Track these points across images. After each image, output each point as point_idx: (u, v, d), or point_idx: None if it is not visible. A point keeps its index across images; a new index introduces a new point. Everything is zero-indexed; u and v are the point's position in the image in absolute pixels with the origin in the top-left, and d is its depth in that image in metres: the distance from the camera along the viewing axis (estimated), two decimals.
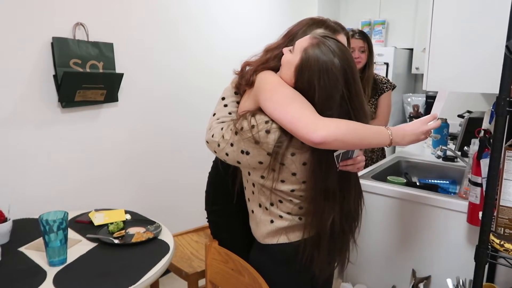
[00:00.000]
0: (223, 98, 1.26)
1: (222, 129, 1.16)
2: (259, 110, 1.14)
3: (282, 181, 1.15)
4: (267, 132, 1.09)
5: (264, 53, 1.33)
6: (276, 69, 1.25)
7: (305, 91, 1.10)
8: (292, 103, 1.10)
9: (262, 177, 1.15)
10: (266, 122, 1.09)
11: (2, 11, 1.73)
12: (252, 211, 1.26)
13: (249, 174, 1.19)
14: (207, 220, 1.58)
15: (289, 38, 1.29)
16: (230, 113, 1.22)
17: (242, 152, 1.12)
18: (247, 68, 1.33)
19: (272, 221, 1.21)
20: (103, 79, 2.04)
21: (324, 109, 1.08)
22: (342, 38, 1.29)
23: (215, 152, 1.19)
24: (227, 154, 1.15)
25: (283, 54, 1.22)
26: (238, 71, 1.36)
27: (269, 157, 1.10)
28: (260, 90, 1.16)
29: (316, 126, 1.04)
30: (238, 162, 1.15)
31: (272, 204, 1.20)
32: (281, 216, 1.20)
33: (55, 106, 1.96)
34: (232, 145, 1.13)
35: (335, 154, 1.14)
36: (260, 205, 1.22)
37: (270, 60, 1.30)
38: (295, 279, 1.25)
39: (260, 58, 1.32)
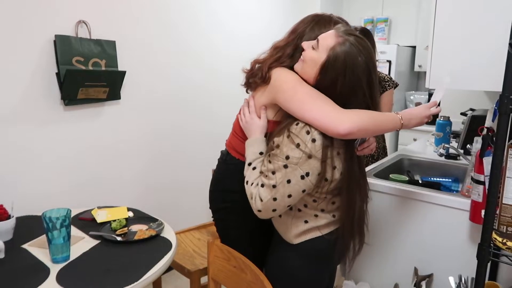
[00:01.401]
0: (249, 164, 1.21)
1: (262, 185, 1.12)
2: (286, 125, 1.13)
3: (326, 180, 1.13)
4: (314, 141, 1.08)
5: (273, 51, 1.33)
6: (288, 67, 1.26)
7: (326, 87, 1.11)
8: (315, 100, 1.13)
9: (317, 187, 1.13)
10: (308, 132, 1.08)
11: (6, 9, 1.74)
12: (280, 216, 1.24)
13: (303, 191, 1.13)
14: (212, 219, 1.58)
15: (297, 36, 1.29)
16: (254, 168, 1.18)
17: (303, 177, 1.08)
18: (257, 66, 1.33)
19: (306, 221, 1.21)
20: (106, 77, 2.05)
21: (345, 104, 1.11)
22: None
23: (275, 210, 1.13)
24: (289, 196, 1.10)
25: (294, 53, 1.25)
26: (247, 70, 1.36)
27: (322, 165, 1.09)
28: (278, 89, 1.18)
29: (341, 120, 1.09)
30: (303, 191, 1.12)
31: (305, 206, 1.19)
32: (316, 215, 1.20)
33: (57, 104, 1.97)
34: (289, 182, 1.08)
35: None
36: (291, 208, 1.21)
37: (283, 58, 1.30)
38: (322, 273, 1.28)
39: (271, 56, 1.31)
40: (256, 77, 1.30)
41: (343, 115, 1.12)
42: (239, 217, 1.45)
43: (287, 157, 1.08)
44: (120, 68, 2.15)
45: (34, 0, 1.82)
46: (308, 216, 1.20)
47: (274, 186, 1.09)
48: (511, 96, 1.05)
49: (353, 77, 1.09)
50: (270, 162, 1.11)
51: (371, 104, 1.15)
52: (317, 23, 1.29)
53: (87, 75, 1.96)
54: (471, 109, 2.74)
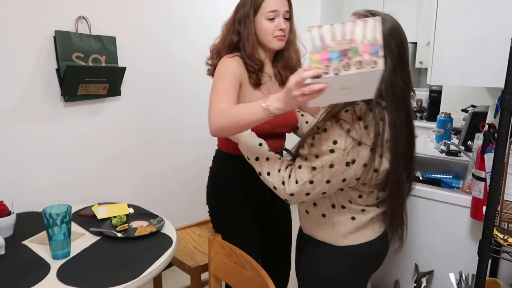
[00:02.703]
0: (257, 159, 1.18)
1: (300, 167, 1.07)
2: (333, 111, 1.06)
3: (375, 171, 1.07)
4: (366, 127, 1.03)
5: (222, 31, 1.48)
6: (235, 42, 1.41)
7: None
8: (213, 96, 1.32)
9: (358, 179, 1.07)
10: (360, 118, 1.02)
11: (5, 5, 1.73)
12: (324, 215, 1.19)
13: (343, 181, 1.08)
14: (208, 214, 1.60)
15: (250, 6, 1.40)
16: (268, 159, 1.15)
17: (348, 164, 1.03)
18: (214, 51, 1.48)
19: (353, 218, 1.16)
20: (106, 73, 2.04)
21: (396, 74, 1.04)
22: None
23: (308, 194, 1.08)
24: (328, 182, 1.05)
25: (236, 28, 1.41)
26: (208, 57, 1.50)
27: (371, 154, 1.03)
28: (214, 79, 1.37)
29: (211, 121, 1.23)
30: (344, 181, 1.06)
31: (350, 201, 1.14)
32: (363, 210, 1.15)
33: (58, 100, 1.96)
34: (331, 166, 1.03)
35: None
36: (333, 206, 1.16)
37: (228, 35, 1.44)
38: (365, 278, 1.25)
39: (221, 38, 1.47)
40: (211, 67, 1.47)
41: (213, 115, 1.23)
42: (232, 209, 1.53)
43: (335, 142, 1.02)
44: (120, 64, 2.14)
45: None
46: (354, 212, 1.15)
47: (314, 168, 1.04)
48: None
49: (386, 42, 1.01)
50: (313, 145, 1.06)
51: (405, 77, 1.08)
52: None
53: (87, 71, 1.95)
54: (472, 106, 2.73)
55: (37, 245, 1.36)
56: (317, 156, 1.04)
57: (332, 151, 1.02)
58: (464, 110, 2.66)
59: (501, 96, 1.11)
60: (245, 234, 1.55)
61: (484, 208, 1.21)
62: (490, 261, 1.20)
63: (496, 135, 1.11)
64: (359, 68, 0.95)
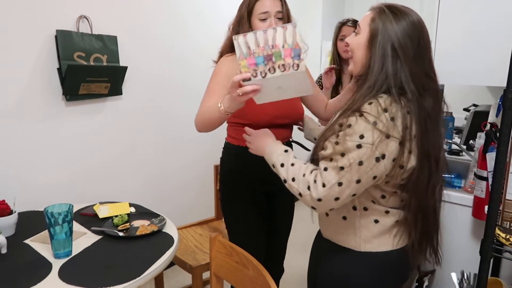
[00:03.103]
0: (282, 165, 1.11)
1: (326, 169, 1.00)
2: (353, 105, 1.01)
3: (401, 167, 1.01)
4: (392, 119, 0.97)
5: (227, 32, 1.57)
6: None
7: (386, 57, 1.00)
8: (204, 96, 1.45)
9: (389, 176, 1.01)
10: (385, 110, 0.97)
11: (7, 4, 1.73)
12: (344, 218, 1.12)
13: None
14: (220, 199, 1.70)
15: (245, 8, 1.49)
16: (293, 164, 1.09)
17: (378, 159, 0.97)
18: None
19: (376, 221, 1.09)
20: (107, 72, 2.04)
21: (416, 63, 1.01)
22: (265, 1, 1.45)
23: (337, 199, 1.00)
24: (358, 181, 0.98)
25: (235, 28, 1.48)
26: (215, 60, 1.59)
27: (399, 148, 0.98)
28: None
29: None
30: (374, 178, 1.00)
31: (373, 202, 1.08)
32: (387, 212, 1.09)
33: (59, 99, 1.97)
34: (361, 163, 0.96)
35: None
36: (355, 208, 1.09)
37: (230, 35, 1.52)
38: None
39: (226, 40, 1.57)
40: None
41: (196, 115, 1.40)
42: (233, 192, 1.64)
43: (361, 136, 0.96)
44: (121, 63, 2.15)
45: None
46: (377, 214, 1.09)
47: (341, 168, 0.97)
48: None
49: (403, 32, 1.00)
50: (337, 143, 0.99)
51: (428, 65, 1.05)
52: None
53: (88, 70, 1.95)
54: (474, 105, 2.73)
55: (39, 244, 1.37)
56: (343, 155, 0.97)
57: (359, 146, 0.96)
58: (466, 109, 2.66)
59: (503, 95, 1.10)
60: (246, 222, 1.63)
61: (486, 207, 1.21)
62: (492, 260, 1.20)
63: (498, 134, 1.10)
64: (283, 71, 1.08)
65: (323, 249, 1.23)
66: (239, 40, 1.08)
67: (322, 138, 1.07)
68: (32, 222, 1.54)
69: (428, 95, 1.03)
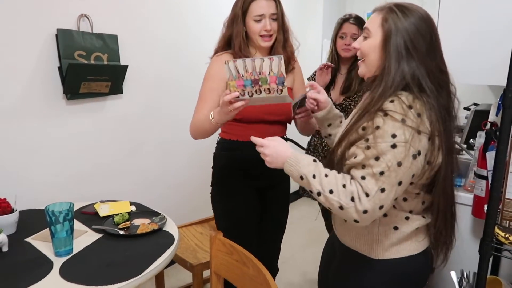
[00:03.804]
0: (314, 176, 1.01)
1: (364, 178, 0.95)
2: (372, 106, 0.99)
3: (428, 163, 0.99)
4: (419, 115, 0.95)
5: (222, 29, 1.59)
6: (228, 39, 1.55)
7: (401, 57, 1.00)
8: (197, 103, 1.55)
9: (413, 175, 0.97)
10: (410, 107, 0.95)
11: (7, 3, 1.73)
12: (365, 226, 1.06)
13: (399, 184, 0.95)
14: (210, 194, 1.72)
15: (239, 7, 1.50)
16: (326, 175, 1.00)
17: (415, 157, 0.94)
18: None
19: (396, 228, 1.06)
20: (108, 71, 2.04)
21: (427, 61, 1.01)
22: (260, 2, 1.48)
23: (382, 208, 0.93)
24: (400, 183, 0.94)
25: (229, 26, 1.51)
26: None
27: (429, 143, 0.96)
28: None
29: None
30: (412, 176, 0.97)
31: (394, 206, 1.04)
32: (407, 218, 1.06)
33: (60, 98, 1.97)
34: (399, 164, 0.92)
35: (292, 104, 1.37)
36: None
37: (225, 32, 1.57)
38: None
39: (220, 35, 1.60)
40: None
41: (190, 123, 1.50)
42: (224, 188, 1.66)
43: (394, 136, 0.93)
44: (122, 62, 2.15)
45: None
46: (397, 221, 1.06)
47: (382, 173, 0.92)
48: None
49: (415, 30, 1.00)
50: (368, 148, 0.95)
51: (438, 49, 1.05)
52: None
53: (89, 69, 1.96)
54: (475, 104, 2.72)
55: (40, 242, 1.37)
56: (377, 158, 0.93)
57: (394, 146, 0.92)
58: (467, 108, 2.66)
59: (503, 94, 1.10)
60: (235, 219, 1.64)
61: (485, 206, 1.21)
62: (491, 259, 1.20)
63: (498, 133, 1.10)
64: (268, 94, 1.25)
65: (339, 255, 1.21)
66: (229, 65, 1.21)
67: (345, 142, 1.03)
68: (33, 220, 1.54)
69: (444, 91, 1.03)
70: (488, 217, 1.13)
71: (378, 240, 1.08)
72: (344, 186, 0.95)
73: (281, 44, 1.57)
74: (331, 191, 0.96)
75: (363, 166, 0.95)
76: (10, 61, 1.78)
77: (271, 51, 1.59)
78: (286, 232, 1.85)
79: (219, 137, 1.71)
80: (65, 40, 1.89)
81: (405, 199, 1.05)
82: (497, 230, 1.15)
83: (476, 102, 2.78)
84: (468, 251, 1.50)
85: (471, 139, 2.14)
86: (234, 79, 1.22)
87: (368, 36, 1.07)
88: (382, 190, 0.92)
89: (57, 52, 1.90)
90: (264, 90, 1.24)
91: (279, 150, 1.07)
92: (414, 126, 0.94)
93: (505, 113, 1.07)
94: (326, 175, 0.99)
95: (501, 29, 1.44)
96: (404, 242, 1.08)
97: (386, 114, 0.95)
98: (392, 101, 0.97)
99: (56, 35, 1.89)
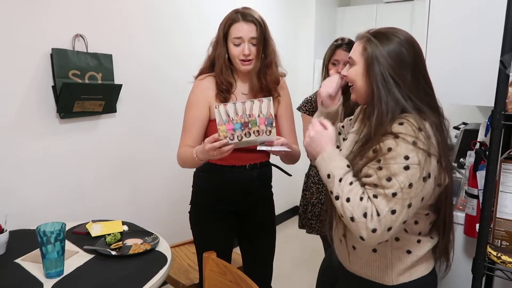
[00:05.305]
0: (340, 180, 1.02)
1: (375, 196, 0.95)
2: (379, 129, 1.00)
3: (438, 185, 1.01)
4: (428, 138, 0.96)
5: (210, 50, 1.59)
6: (211, 61, 1.56)
7: (389, 84, 1.02)
8: (182, 132, 1.59)
9: (422, 199, 0.98)
10: (420, 129, 0.96)
11: (2, 22, 1.75)
12: (374, 250, 1.08)
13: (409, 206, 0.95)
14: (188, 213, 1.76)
15: (221, 30, 1.52)
16: (351, 183, 0.99)
17: (425, 179, 0.95)
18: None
19: (409, 251, 1.07)
20: (102, 90, 2.05)
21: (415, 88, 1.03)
22: (240, 25, 1.46)
23: (390, 229, 0.93)
24: (409, 206, 0.94)
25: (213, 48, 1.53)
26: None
27: (438, 165, 0.98)
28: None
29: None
30: (422, 200, 0.97)
31: (406, 230, 1.05)
32: (419, 241, 1.07)
33: (53, 116, 1.97)
34: (410, 186, 0.93)
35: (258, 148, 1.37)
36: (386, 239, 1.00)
37: (209, 55, 1.58)
38: None
39: (207, 58, 1.60)
40: None
41: (177, 154, 1.55)
42: (201, 209, 1.68)
43: (406, 157, 0.93)
44: (116, 82, 2.16)
45: (31, 14, 1.83)
46: (409, 245, 1.06)
47: (394, 195, 0.93)
48: (503, 112, 1.07)
49: (395, 55, 1.03)
50: (381, 168, 0.95)
51: (425, 84, 1.06)
52: (232, 15, 1.51)
53: (83, 88, 1.96)
54: (464, 123, 2.77)
55: (30, 263, 1.35)
56: (389, 179, 0.94)
57: (406, 168, 0.93)
58: (456, 128, 2.70)
59: (491, 115, 1.13)
60: (209, 240, 1.65)
61: (477, 225, 1.22)
62: (484, 278, 1.20)
63: (487, 153, 1.12)
64: (257, 136, 1.31)
65: (343, 283, 1.20)
66: (220, 109, 1.25)
67: (355, 168, 1.04)
68: (23, 240, 1.52)
69: (436, 112, 1.06)
70: (479, 236, 1.14)
71: (391, 265, 1.07)
72: (361, 199, 0.95)
73: (259, 70, 1.51)
74: (348, 199, 0.96)
75: (375, 185, 0.96)
76: (5, 79, 1.78)
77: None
78: (280, 251, 1.84)
79: None
80: (60, 59, 1.91)
81: (416, 222, 1.06)
82: (489, 249, 1.16)
83: (465, 121, 2.83)
84: (461, 270, 1.50)
85: (461, 158, 2.17)
86: (224, 123, 1.27)
87: (352, 64, 1.11)
88: (393, 211, 0.93)
89: (52, 71, 1.91)
90: (254, 132, 1.30)
91: (323, 139, 1.08)
92: (426, 148, 0.95)
93: (493, 134, 1.09)
94: (351, 183, 0.99)
95: (489, 51, 1.48)
96: (417, 265, 1.09)
97: (397, 137, 0.96)
98: (401, 124, 0.98)
99: (51, 54, 1.90)
